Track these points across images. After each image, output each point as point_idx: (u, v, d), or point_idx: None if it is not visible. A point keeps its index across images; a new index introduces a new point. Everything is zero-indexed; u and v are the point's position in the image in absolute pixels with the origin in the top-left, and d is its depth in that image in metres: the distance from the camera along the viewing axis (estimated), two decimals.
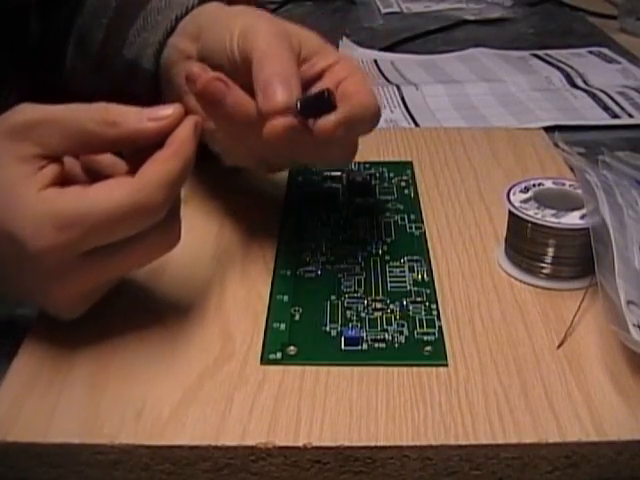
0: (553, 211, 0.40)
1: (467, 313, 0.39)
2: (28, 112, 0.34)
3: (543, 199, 0.41)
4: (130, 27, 0.49)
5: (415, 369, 0.35)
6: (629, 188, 0.45)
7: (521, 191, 0.42)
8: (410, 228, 0.46)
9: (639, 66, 0.82)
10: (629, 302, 0.35)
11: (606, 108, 0.71)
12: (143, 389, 0.34)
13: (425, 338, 0.37)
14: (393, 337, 0.37)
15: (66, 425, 0.32)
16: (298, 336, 0.37)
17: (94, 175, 0.37)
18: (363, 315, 0.38)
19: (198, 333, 0.37)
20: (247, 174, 0.50)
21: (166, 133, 0.35)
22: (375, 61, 0.87)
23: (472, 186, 0.51)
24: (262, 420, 0.32)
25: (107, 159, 0.37)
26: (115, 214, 0.32)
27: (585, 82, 0.78)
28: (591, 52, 0.88)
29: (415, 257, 0.43)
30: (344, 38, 0.93)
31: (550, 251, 0.40)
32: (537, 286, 0.40)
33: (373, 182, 0.52)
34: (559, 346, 0.36)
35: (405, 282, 0.41)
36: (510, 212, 0.41)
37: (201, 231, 0.45)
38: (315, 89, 0.39)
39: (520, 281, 0.41)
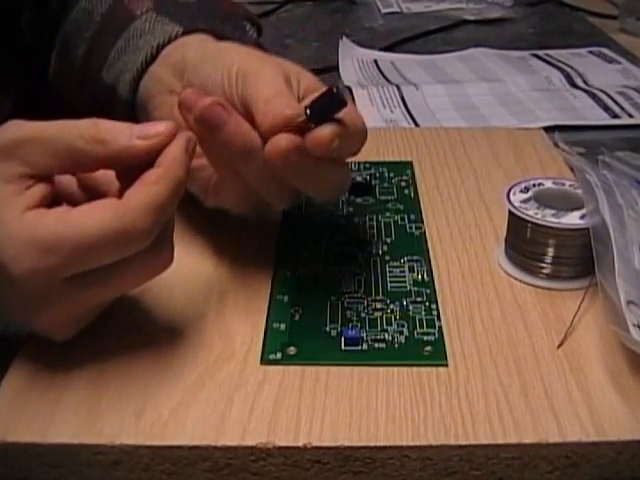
0: (553, 211, 0.40)
1: (467, 313, 0.39)
2: (15, 130, 0.33)
3: (543, 199, 0.41)
4: (111, 47, 0.47)
5: (415, 369, 0.35)
6: (629, 188, 0.45)
7: (521, 191, 0.42)
8: (410, 228, 0.46)
9: (639, 66, 0.82)
10: (629, 302, 0.35)
11: (606, 108, 0.71)
12: (143, 389, 0.34)
13: (425, 338, 0.37)
14: (393, 337, 0.37)
15: (66, 425, 0.32)
16: (298, 336, 0.37)
17: (90, 192, 0.36)
18: (363, 315, 0.38)
19: (198, 333, 0.37)
20: None
21: (157, 151, 0.33)
22: (375, 61, 0.87)
23: (472, 186, 0.51)
24: (262, 420, 0.32)
25: (103, 175, 0.35)
26: (98, 239, 0.31)
27: (585, 82, 0.78)
28: (591, 52, 0.88)
29: (415, 257, 0.43)
30: (344, 38, 0.93)
31: (550, 251, 0.40)
32: (537, 286, 0.40)
33: (373, 182, 0.52)
34: (559, 346, 0.36)
35: (405, 282, 0.41)
36: (510, 212, 0.41)
37: (201, 231, 0.45)
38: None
39: (520, 281, 0.41)
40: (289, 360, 0.36)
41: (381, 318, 0.38)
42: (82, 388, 0.34)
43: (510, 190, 0.42)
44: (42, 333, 0.35)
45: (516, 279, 0.41)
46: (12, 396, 0.34)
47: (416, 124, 0.68)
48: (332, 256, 0.43)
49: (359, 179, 0.51)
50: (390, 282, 0.41)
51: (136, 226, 0.31)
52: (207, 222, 0.46)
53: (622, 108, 0.70)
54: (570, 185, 0.43)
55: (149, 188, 0.32)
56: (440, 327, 0.37)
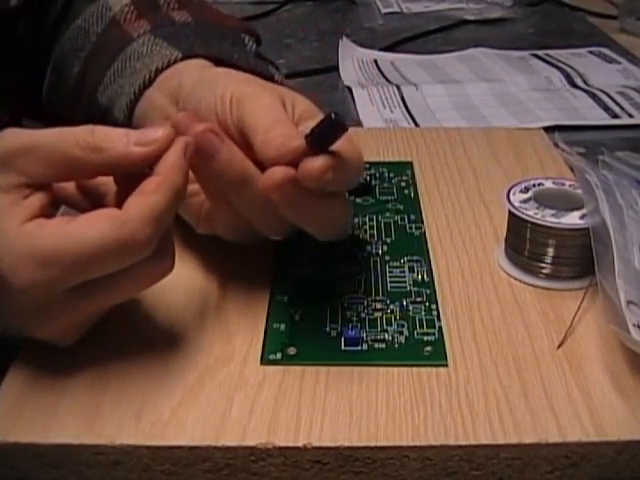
0: (553, 211, 0.40)
1: (467, 313, 0.39)
2: (11, 139, 0.33)
3: (543, 199, 0.41)
4: (107, 69, 0.47)
5: (415, 369, 0.35)
6: (629, 188, 0.45)
7: (521, 191, 0.42)
8: (410, 228, 0.46)
9: (639, 66, 0.82)
10: (629, 302, 0.35)
11: (606, 108, 0.71)
12: (143, 390, 0.34)
13: (425, 338, 0.37)
14: (393, 337, 0.37)
15: (67, 425, 0.32)
16: (298, 336, 0.37)
17: (89, 193, 0.36)
18: (363, 315, 0.38)
19: (198, 334, 0.37)
20: None
21: (154, 158, 0.33)
22: (375, 61, 0.87)
23: (472, 186, 0.51)
24: (262, 420, 0.32)
25: (102, 177, 0.35)
26: (98, 251, 0.31)
27: (585, 82, 0.78)
28: (591, 52, 0.88)
29: (415, 257, 0.43)
30: (344, 38, 0.93)
31: (550, 251, 0.40)
32: (537, 286, 0.40)
33: (373, 182, 0.52)
34: (559, 346, 0.36)
35: (405, 282, 0.41)
36: (510, 212, 0.41)
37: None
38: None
39: (520, 281, 0.41)
40: (289, 360, 0.36)
41: (381, 318, 0.38)
42: (82, 388, 0.34)
43: (510, 190, 0.42)
44: (44, 339, 0.35)
45: (516, 279, 0.41)
46: (13, 396, 0.34)
47: (416, 124, 0.68)
48: (332, 256, 0.43)
49: (359, 179, 0.51)
50: (390, 282, 0.41)
51: (136, 236, 0.31)
52: None
53: (622, 108, 0.70)
54: (570, 185, 0.43)
55: (148, 198, 0.32)
56: (440, 327, 0.37)
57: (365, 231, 0.46)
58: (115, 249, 0.31)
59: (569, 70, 0.81)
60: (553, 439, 0.31)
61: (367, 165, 0.54)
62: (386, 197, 0.50)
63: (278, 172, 0.34)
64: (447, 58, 0.88)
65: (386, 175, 0.53)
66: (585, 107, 0.71)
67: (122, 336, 0.37)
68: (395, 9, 1.08)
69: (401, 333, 0.37)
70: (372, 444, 0.31)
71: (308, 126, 0.35)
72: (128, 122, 0.44)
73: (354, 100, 0.74)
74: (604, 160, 0.50)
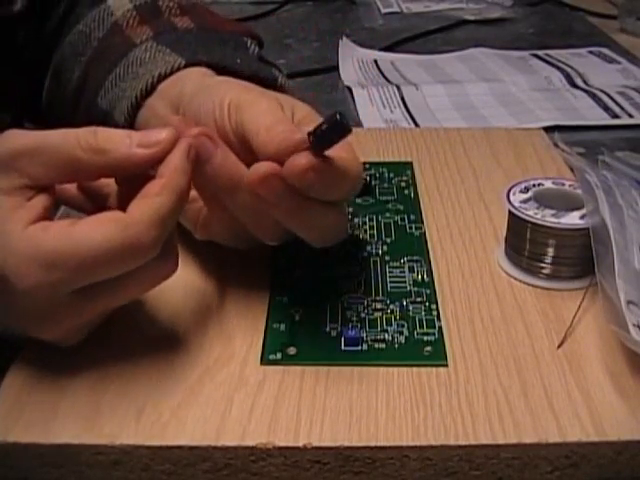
0: (553, 211, 0.40)
1: (467, 313, 0.39)
2: (13, 141, 0.33)
3: (543, 199, 0.41)
4: (108, 74, 0.47)
5: (415, 369, 0.35)
6: (629, 188, 0.45)
7: (521, 191, 0.42)
8: (410, 228, 0.46)
9: (639, 66, 0.82)
10: (629, 302, 0.35)
11: (606, 108, 0.71)
12: (143, 390, 0.34)
13: (425, 338, 0.37)
14: (393, 337, 0.37)
15: (67, 425, 0.32)
16: (298, 336, 0.37)
17: (91, 194, 0.36)
18: (363, 315, 0.38)
19: (198, 334, 0.37)
20: None
21: (157, 160, 0.33)
22: (375, 61, 0.87)
23: (472, 186, 0.51)
24: (262, 420, 0.32)
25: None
26: (103, 254, 0.31)
27: (585, 82, 0.78)
28: (591, 52, 0.88)
29: (415, 257, 0.43)
30: (344, 38, 0.93)
31: (550, 251, 0.40)
32: (537, 286, 0.40)
33: (373, 182, 0.52)
34: (559, 346, 0.36)
35: (405, 282, 0.41)
36: (510, 212, 0.41)
37: None
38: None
39: (520, 281, 0.41)
40: (289, 360, 0.36)
41: (381, 318, 0.38)
42: (83, 389, 0.34)
43: (510, 190, 0.42)
44: (47, 340, 0.35)
45: (516, 279, 0.41)
46: (13, 396, 0.34)
47: (416, 124, 0.68)
48: (332, 256, 0.43)
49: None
50: (390, 282, 0.41)
51: (141, 239, 0.31)
52: None
53: (622, 108, 0.70)
54: (570, 185, 0.43)
55: (152, 200, 0.32)
56: (440, 327, 0.37)
57: (365, 231, 0.46)
58: (120, 252, 0.31)
59: (569, 70, 0.81)
60: (553, 439, 0.31)
61: (367, 165, 0.54)
62: (386, 197, 0.50)
63: (262, 167, 0.34)
64: (447, 58, 0.88)
65: (386, 175, 0.53)
66: (585, 107, 0.71)
67: (122, 336, 0.37)
68: (395, 9, 1.08)
69: (401, 333, 0.37)
70: (372, 444, 0.31)
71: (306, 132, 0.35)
72: (129, 127, 0.44)
73: (354, 100, 0.74)
74: (604, 160, 0.50)
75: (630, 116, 0.69)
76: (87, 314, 0.34)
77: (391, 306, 0.39)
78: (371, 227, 0.46)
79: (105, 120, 0.46)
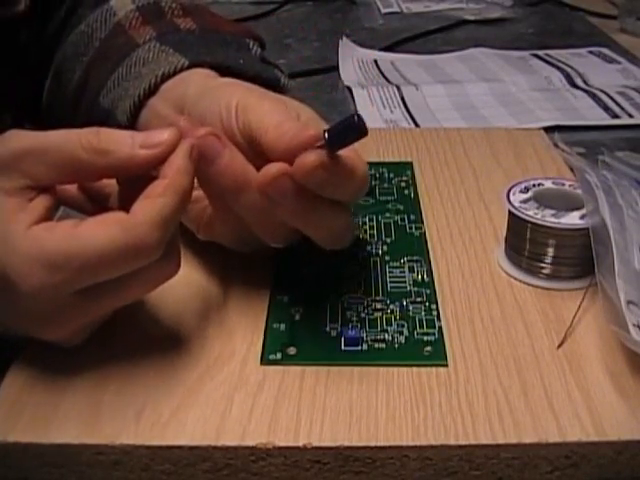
0: (553, 211, 0.40)
1: (467, 313, 0.39)
2: (15, 141, 0.33)
3: (543, 199, 0.41)
4: (110, 73, 0.47)
5: (415, 369, 0.35)
6: (629, 188, 0.45)
7: (521, 191, 0.42)
8: (410, 228, 0.46)
9: (639, 66, 0.82)
10: (629, 302, 0.35)
11: (606, 108, 0.71)
12: (143, 390, 0.34)
13: (425, 338, 0.37)
14: (393, 337, 0.37)
15: (67, 425, 0.32)
16: (298, 336, 0.37)
17: (92, 195, 0.36)
18: (363, 315, 0.38)
19: (198, 333, 0.37)
20: None
21: (160, 161, 0.33)
22: (375, 61, 0.87)
23: (472, 186, 0.51)
24: (262, 420, 0.32)
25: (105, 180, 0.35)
26: (106, 255, 0.31)
27: (585, 82, 0.78)
28: (591, 52, 0.88)
29: (415, 257, 0.43)
30: (344, 38, 0.93)
31: (550, 251, 0.40)
32: (537, 286, 0.40)
33: (373, 183, 0.52)
34: (559, 346, 0.36)
35: (405, 282, 0.41)
36: (510, 212, 0.41)
37: None
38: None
39: (520, 281, 0.41)
40: (289, 360, 0.36)
41: (381, 318, 0.38)
42: (83, 388, 0.34)
43: (510, 190, 0.42)
44: (50, 341, 0.35)
45: (516, 279, 0.41)
46: (13, 396, 0.34)
47: (416, 124, 0.68)
48: (332, 256, 0.43)
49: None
50: (390, 282, 0.41)
51: (144, 240, 0.31)
52: None
53: (622, 108, 0.70)
54: (570, 185, 0.43)
55: (155, 201, 0.32)
56: (440, 327, 0.37)
57: (365, 231, 0.46)
58: (124, 253, 0.31)
59: (569, 70, 0.81)
60: (553, 439, 0.31)
61: (367, 165, 0.54)
62: (386, 197, 0.50)
63: (274, 167, 0.34)
64: (447, 58, 0.88)
65: (386, 175, 0.53)
66: (585, 107, 0.71)
67: (122, 336, 0.37)
68: (395, 9, 1.08)
69: (401, 333, 0.37)
70: (372, 444, 0.31)
71: None
72: (131, 127, 0.44)
73: (354, 100, 0.74)
74: (604, 160, 0.50)
75: (630, 116, 0.69)
76: (90, 314, 0.34)
77: (391, 306, 0.39)
78: (371, 227, 0.46)
79: (106, 119, 0.46)
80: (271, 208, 0.35)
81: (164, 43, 0.47)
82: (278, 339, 0.37)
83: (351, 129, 0.33)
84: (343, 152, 0.34)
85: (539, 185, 0.43)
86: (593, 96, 0.73)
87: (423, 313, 0.38)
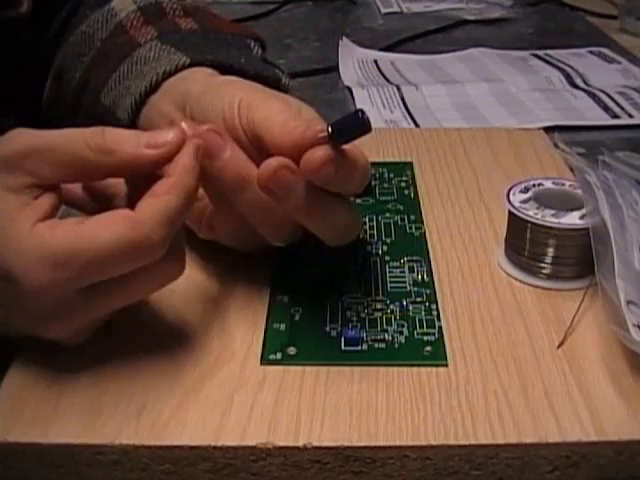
0: (553, 211, 0.40)
1: (467, 313, 0.39)
2: (20, 140, 0.33)
3: (543, 199, 0.41)
4: (111, 72, 0.47)
5: (415, 369, 0.35)
6: (629, 188, 0.45)
7: (521, 191, 0.42)
8: (410, 228, 0.46)
9: (639, 66, 0.82)
10: (629, 302, 0.35)
11: (606, 108, 0.71)
12: (143, 389, 0.34)
13: (425, 338, 0.37)
14: (393, 337, 0.37)
15: (67, 425, 0.32)
16: (298, 336, 0.37)
17: (95, 195, 0.36)
18: (363, 315, 0.38)
19: (198, 333, 0.37)
20: None
21: (165, 160, 0.33)
22: (375, 61, 0.87)
23: (472, 186, 0.51)
24: (262, 420, 0.32)
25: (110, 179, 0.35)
26: (111, 252, 0.31)
27: (585, 82, 0.78)
28: (591, 52, 0.88)
29: (415, 257, 0.43)
30: (344, 38, 0.93)
31: (550, 251, 0.40)
32: (537, 286, 0.40)
33: (373, 182, 0.52)
34: (559, 346, 0.36)
35: (405, 282, 0.41)
36: (510, 212, 0.41)
37: None
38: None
39: (520, 281, 0.41)
40: (289, 360, 0.36)
41: (381, 318, 0.38)
42: (82, 388, 0.34)
43: (510, 190, 0.42)
44: (53, 339, 0.35)
45: (516, 279, 0.41)
46: (13, 396, 0.34)
47: (416, 124, 0.68)
48: (332, 256, 0.43)
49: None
50: (390, 282, 0.41)
51: (149, 238, 0.31)
52: None
53: (622, 108, 0.70)
54: (570, 185, 0.43)
55: (161, 199, 0.32)
56: (440, 327, 0.37)
57: (365, 231, 0.46)
58: (129, 250, 0.31)
59: (569, 70, 0.81)
60: (553, 439, 0.31)
61: None
62: (386, 197, 0.50)
63: (274, 161, 0.34)
64: (447, 58, 0.88)
65: (386, 175, 0.53)
66: (585, 107, 0.71)
67: (122, 336, 0.37)
68: (395, 9, 1.08)
69: (401, 333, 0.37)
70: (372, 444, 0.31)
71: None
72: (131, 124, 0.44)
73: (354, 100, 0.74)
74: (604, 160, 0.50)
75: (630, 116, 0.69)
76: (94, 313, 0.34)
77: (391, 306, 0.39)
78: (371, 227, 0.46)
79: (107, 118, 0.46)
80: (274, 205, 0.35)
81: (165, 42, 0.47)
82: (278, 339, 0.37)
83: (356, 125, 0.33)
84: (344, 146, 0.34)
85: (539, 185, 0.43)
86: (593, 96, 0.73)
87: (423, 313, 0.38)
